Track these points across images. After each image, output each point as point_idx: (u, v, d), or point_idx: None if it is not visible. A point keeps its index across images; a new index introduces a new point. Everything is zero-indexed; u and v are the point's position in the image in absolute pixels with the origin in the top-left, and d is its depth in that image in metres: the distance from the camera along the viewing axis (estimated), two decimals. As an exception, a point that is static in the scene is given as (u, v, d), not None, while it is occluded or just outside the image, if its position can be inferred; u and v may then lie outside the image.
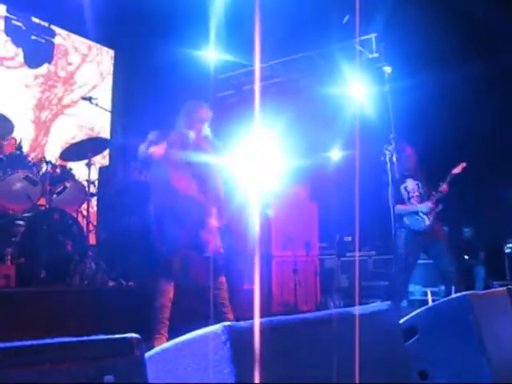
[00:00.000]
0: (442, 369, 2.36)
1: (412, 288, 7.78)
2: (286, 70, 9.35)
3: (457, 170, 5.44)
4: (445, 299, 2.61)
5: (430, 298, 6.90)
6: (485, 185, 5.51)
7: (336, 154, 10.16)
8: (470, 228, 8.36)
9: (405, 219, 5.34)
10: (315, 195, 8.18)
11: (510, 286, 2.96)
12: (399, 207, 5.24)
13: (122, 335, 1.30)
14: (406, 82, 7.17)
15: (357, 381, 1.71)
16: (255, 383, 1.36)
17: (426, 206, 5.36)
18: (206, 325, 1.46)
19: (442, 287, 7.50)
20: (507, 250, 7.78)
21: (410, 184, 5.53)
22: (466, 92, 7.58)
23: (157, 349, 1.54)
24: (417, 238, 5.32)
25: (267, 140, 8.15)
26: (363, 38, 8.39)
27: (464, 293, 2.51)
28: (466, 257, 7.83)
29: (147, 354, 1.40)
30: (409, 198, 5.48)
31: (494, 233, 8.03)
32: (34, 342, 1.13)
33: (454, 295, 2.67)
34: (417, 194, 5.49)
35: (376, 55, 8.35)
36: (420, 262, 5.70)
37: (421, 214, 5.35)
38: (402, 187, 5.50)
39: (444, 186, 5.42)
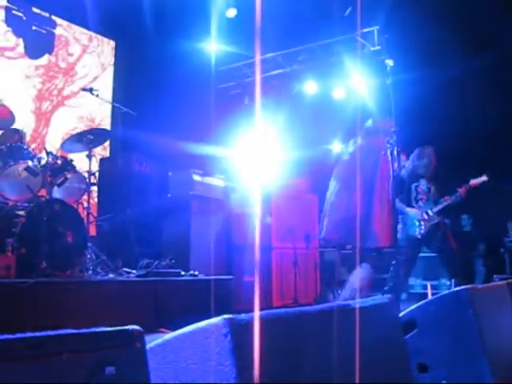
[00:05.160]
0: (442, 362, 2.37)
1: (412, 281, 7.78)
2: (288, 62, 9.33)
3: (476, 183, 5.24)
4: (444, 293, 2.61)
5: (429, 291, 6.91)
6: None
7: (337, 147, 10.14)
8: (469, 219, 8.32)
9: (403, 217, 5.31)
10: (316, 187, 8.17)
11: (510, 280, 2.97)
12: (399, 204, 5.26)
13: (123, 327, 1.30)
14: (408, 75, 7.14)
15: (357, 373, 1.72)
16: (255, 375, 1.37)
17: (416, 213, 5.29)
18: (208, 317, 1.46)
19: (442, 280, 7.51)
20: (508, 244, 7.76)
21: (423, 185, 5.44)
22: (469, 85, 7.55)
23: (158, 341, 1.55)
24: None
25: (268, 132, 8.14)
26: (365, 30, 8.35)
27: (463, 286, 2.51)
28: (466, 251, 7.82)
29: (148, 346, 1.41)
30: (416, 200, 5.40)
31: (494, 226, 8.03)
32: (34, 334, 1.13)
33: (453, 289, 2.68)
34: (425, 197, 5.40)
35: (378, 48, 8.31)
36: (421, 254, 5.68)
37: (415, 222, 5.30)
38: (413, 185, 5.45)
39: (462, 191, 5.23)
